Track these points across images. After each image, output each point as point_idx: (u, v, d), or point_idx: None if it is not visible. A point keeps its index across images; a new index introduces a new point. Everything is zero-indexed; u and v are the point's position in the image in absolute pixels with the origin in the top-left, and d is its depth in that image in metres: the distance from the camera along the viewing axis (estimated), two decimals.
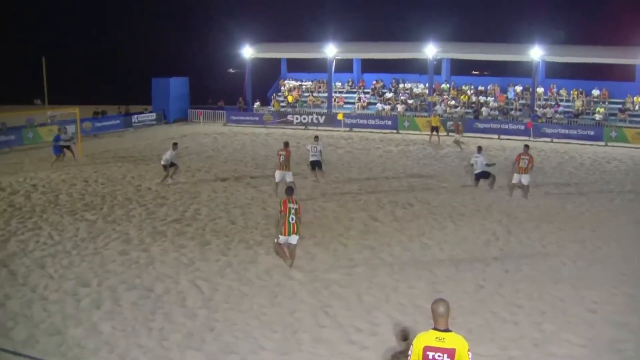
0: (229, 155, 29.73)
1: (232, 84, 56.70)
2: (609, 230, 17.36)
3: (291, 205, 13.44)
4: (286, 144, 21.89)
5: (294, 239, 13.55)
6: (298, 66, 50.28)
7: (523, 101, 41.95)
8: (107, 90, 54.92)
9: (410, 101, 43.73)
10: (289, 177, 20.80)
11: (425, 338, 6.43)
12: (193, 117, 44.85)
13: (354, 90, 46.80)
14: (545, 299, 12.18)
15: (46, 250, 14.93)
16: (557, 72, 44.12)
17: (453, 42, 44.54)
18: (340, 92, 46.59)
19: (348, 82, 47.52)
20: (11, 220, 17.60)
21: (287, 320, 11.12)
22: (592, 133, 35.90)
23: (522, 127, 37.12)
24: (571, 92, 41.69)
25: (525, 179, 20.68)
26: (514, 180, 20.98)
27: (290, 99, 46.60)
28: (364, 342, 10.34)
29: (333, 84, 45.56)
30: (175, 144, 23.44)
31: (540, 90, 41.85)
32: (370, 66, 48.56)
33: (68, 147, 26.83)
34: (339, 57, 44.97)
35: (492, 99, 42.69)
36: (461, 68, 47.41)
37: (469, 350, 6.35)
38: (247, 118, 43.60)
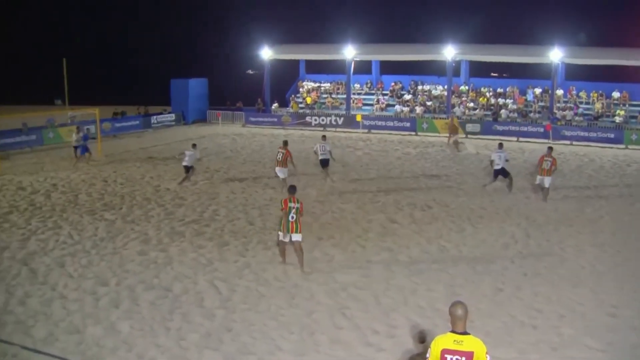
0: (247, 157, 29.80)
1: (250, 85, 56.91)
2: (629, 234, 17.17)
3: (292, 204, 13.42)
4: (285, 143, 22.06)
5: (296, 237, 13.49)
6: (317, 67, 50.23)
7: (542, 103, 41.57)
8: (126, 91, 55.39)
9: (428, 103, 43.58)
10: (283, 174, 21.25)
11: (443, 341, 6.41)
12: (212, 118, 44.97)
13: (373, 91, 46.67)
14: (564, 303, 12.08)
15: (66, 250, 15.09)
16: (577, 74, 43.71)
17: (472, 43, 44.37)
18: (358, 94, 46.46)
19: (367, 83, 47.41)
20: (32, 219, 17.81)
21: (304, 322, 11.13)
22: (612, 136, 35.56)
23: (541, 130, 36.84)
24: (591, 94, 41.25)
25: (547, 182, 20.49)
26: (537, 182, 20.86)
27: (308, 100, 46.58)
28: (381, 344, 10.33)
29: (352, 85, 45.51)
30: (194, 145, 23.64)
31: (559, 92, 41.49)
32: (389, 68, 48.45)
33: (76, 148, 26.89)
34: (357, 59, 44.84)
35: (511, 101, 42.37)
36: (480, 70, 47.16)
37: (487, 353, 6.32)
38: (266, 119, 43.64)
